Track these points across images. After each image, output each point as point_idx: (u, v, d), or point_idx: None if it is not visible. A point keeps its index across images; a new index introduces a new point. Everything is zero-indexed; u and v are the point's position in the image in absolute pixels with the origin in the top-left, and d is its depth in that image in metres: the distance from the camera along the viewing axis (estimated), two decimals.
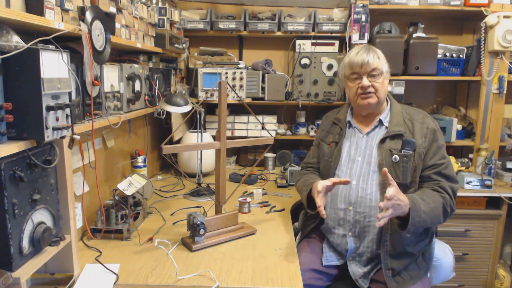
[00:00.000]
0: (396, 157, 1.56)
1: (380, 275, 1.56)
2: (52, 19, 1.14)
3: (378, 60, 1.60)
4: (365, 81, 1.60)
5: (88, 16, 1.32)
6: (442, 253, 1.81)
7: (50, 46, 1.04)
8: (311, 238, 1.77)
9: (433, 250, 1.70)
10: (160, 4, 2.27)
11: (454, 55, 2.62)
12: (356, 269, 1.62)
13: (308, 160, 1.93)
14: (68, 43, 1.34)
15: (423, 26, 2.66)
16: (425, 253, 1.65)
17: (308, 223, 1.80)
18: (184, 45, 2.56)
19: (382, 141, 1.61)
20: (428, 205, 1.47)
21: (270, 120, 2.88)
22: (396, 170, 1.55)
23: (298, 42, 2.86)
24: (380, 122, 1.66)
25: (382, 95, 1.63)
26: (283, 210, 2.00)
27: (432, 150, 1.58)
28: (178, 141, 2.62)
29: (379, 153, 1.60)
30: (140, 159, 2.20)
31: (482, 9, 2.47)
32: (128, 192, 1.61)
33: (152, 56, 2.25)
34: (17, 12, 0.99)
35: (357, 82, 1.62)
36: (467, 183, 2.38)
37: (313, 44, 2.84)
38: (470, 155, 2.64)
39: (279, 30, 2.85)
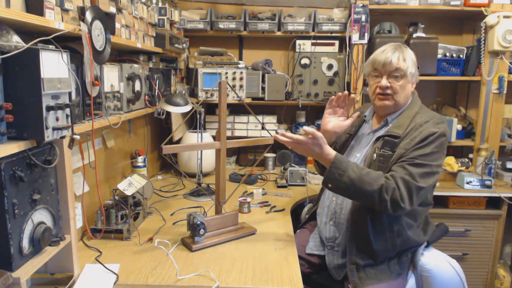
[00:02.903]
0: (374, 155, 1.54)
1: None
2: (52, 19, 1.14)
3: (403, 61, 1.54)
4: (383, 81, 1.56)
5: (88, 16, 1.32)
6: (439, 265, 1.60)
7: (50, 46, 1.04)
8: (304, 228, 1.86)
9: (418, 258, 1.58)
10: (160, 4, 2.27)
11: (454, 55, 2.62)
12: (331, 259, 1.64)
13: None
14: (68, 43, 1.34)
15: (423, 26, 2.66)
16: (402, 257, 1.56)
17: (308, 211, 1.86)
18: (184, 45, 2.56)
19: (378, 139, 1.60)
20: (360, 173, 1.40)
21: (270, 120, 2.88)
22: (372, 168, 1.51)
23: (298, 42, 2.86)
24: (387, 122, 1.64)
25: (400, 99, 1.57)
26: (283, 210, 2.00)
27: (410, 150, 1.46)
28: (178, 141, 2.62)
29: (370, 150, 1.60)
30: (140, 159, 2.20)
31: (482, 9, 2.47)
32: (128, 192, 1.61)
33: (152, 56, 2.25)
34: (17, 12, 0.99)
35: (377, 81, 1.59)
36: (467, 183, 2.38)
37: (313, 44, 2.84)
38: (470, 155, 2.65)
39: (279, 30, 2.85)
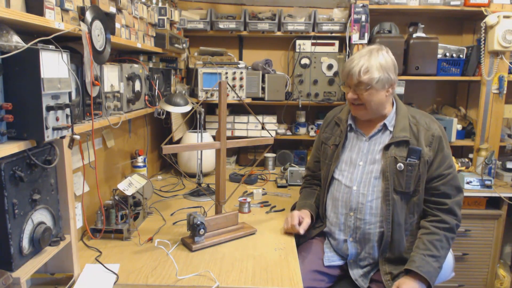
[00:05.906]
0: (400, 165, 1.51)
1: (379, 275, 1.56)
2: (52, 19, 1.14)
3: (365, 74, 1.49)
4: (350, 94, 1.55)
5: (88, 16, 1.32)
6: None
7: (50, 46, 1.04)
8: (312, 239, 1.75)
9: None
10: (160, 4, 2.27)
11: (454, 55, 2.62)
12: (356, 270, 1.62)
13: (309, 165, 1.93)
14: (68, 43, 1.34)
15: (423, 26, 2.66)
16: None
17: (316, 225, 1.76)
18: (184, 45, 2.56)
19: (387, 147, 1.56)
20: (439, 255, 1.48)
21: (270, 120, 2.88)
22: (399, 179, 1.52)
23: (298, 42, 2.86)
24: (385, 126, 1.61)
25: (373, 108, 1.55)
26: (283, 210, 2.00)
27: (437, 160, 1.54)
28: (178, 141, 2.62)
29: (383, 159, 1.56)
30: (140, 159, 2.20)
31: (482, 9, 2.47)
32: (128, 192, 1.61)
33: (152, 56, 2.25)
34: (17, 12, 0.99)
35: (347, 90, 1.58)
36: (467, 183, 2.38)
37: (313, 44, 2.84)
38: (470, 155, 2.65)
39: (279, 30, 2.85)
